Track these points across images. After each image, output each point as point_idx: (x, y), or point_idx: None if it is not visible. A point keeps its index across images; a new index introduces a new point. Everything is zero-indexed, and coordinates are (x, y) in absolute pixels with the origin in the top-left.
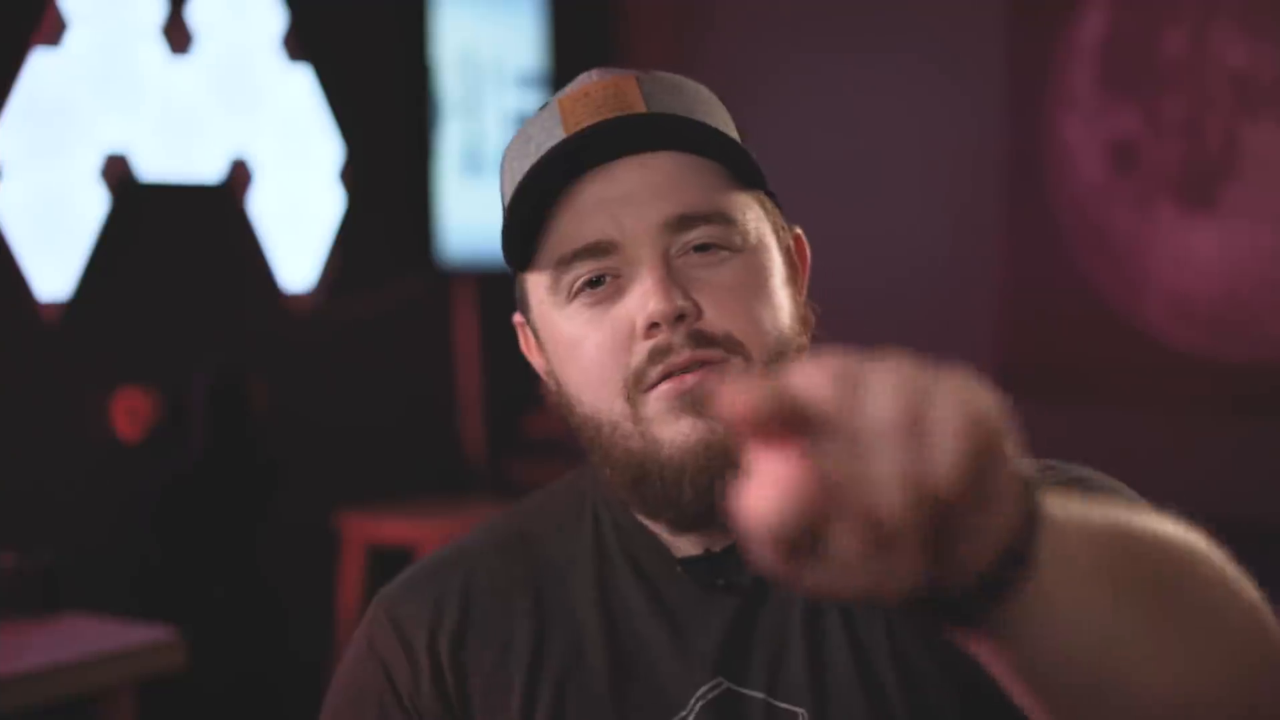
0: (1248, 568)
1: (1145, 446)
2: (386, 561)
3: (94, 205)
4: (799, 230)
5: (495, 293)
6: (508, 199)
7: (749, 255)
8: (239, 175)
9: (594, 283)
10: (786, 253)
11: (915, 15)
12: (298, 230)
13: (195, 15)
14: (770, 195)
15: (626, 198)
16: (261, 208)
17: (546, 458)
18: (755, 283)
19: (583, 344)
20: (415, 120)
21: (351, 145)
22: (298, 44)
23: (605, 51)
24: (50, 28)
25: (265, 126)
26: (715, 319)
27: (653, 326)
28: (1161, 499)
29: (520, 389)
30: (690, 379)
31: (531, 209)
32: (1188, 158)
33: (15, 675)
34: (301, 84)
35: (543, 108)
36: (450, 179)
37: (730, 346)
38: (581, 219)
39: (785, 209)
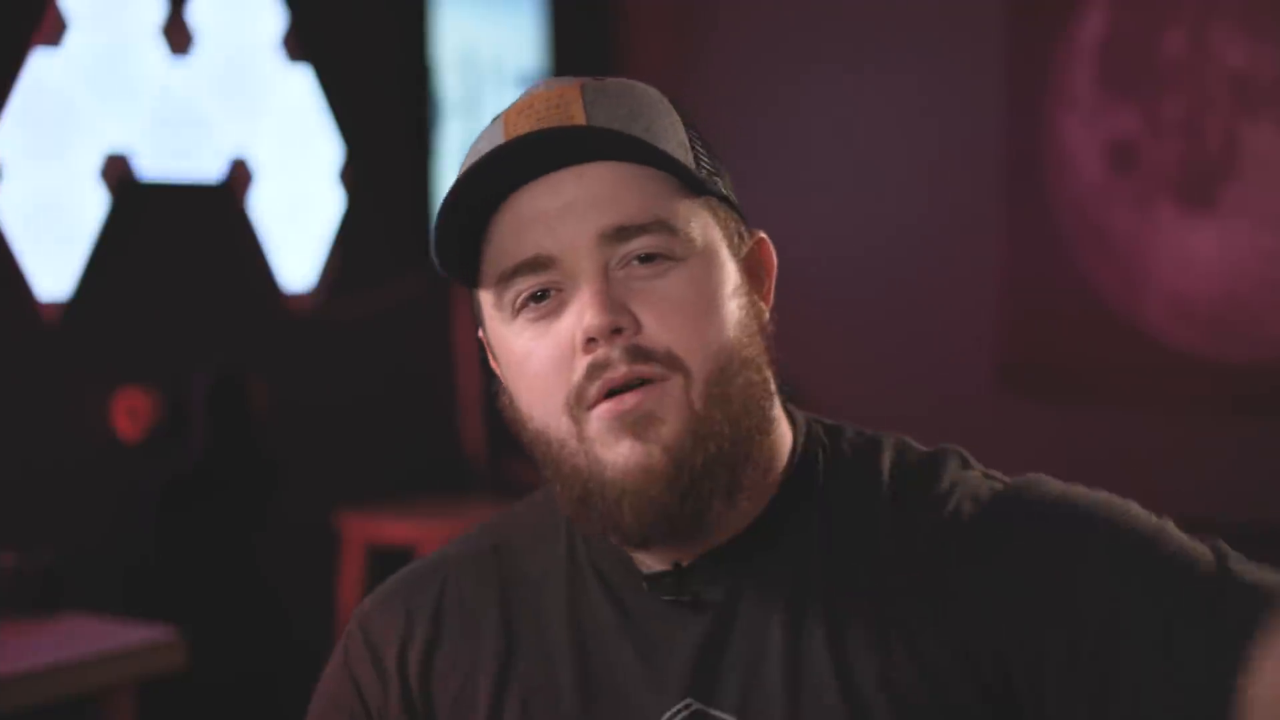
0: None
1: (1145, 446)
2: (386, 561)
3: (94, 205)
4: (762, 234)
5: None
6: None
7: (693, 265)
8: (239, 175)
9: (538, 297)
10: (745, 259)
11: (915, 16)
12: (298, 230)
13: (195, 15)
14: (725, 199)
15: (564, 209)
16: (261, 208)
17: None
18: (699, 294)
19: (528, 361)
20: (415, 120)
21: (351, 145)
22: (298, 44)
23: (605, 51)
24: (50, 28)
25: (265, 126)
26: (655, 333)
27: (590, 341)
28: (1162, 499)
29: None
30: (629, 399)
31: (469, 221)
32: (1187, 158)
33: (15, 675)
34: (301, 84)
35: (493, 121)
36: (450, 179)
37: (670, 363)
38: (519, 232)
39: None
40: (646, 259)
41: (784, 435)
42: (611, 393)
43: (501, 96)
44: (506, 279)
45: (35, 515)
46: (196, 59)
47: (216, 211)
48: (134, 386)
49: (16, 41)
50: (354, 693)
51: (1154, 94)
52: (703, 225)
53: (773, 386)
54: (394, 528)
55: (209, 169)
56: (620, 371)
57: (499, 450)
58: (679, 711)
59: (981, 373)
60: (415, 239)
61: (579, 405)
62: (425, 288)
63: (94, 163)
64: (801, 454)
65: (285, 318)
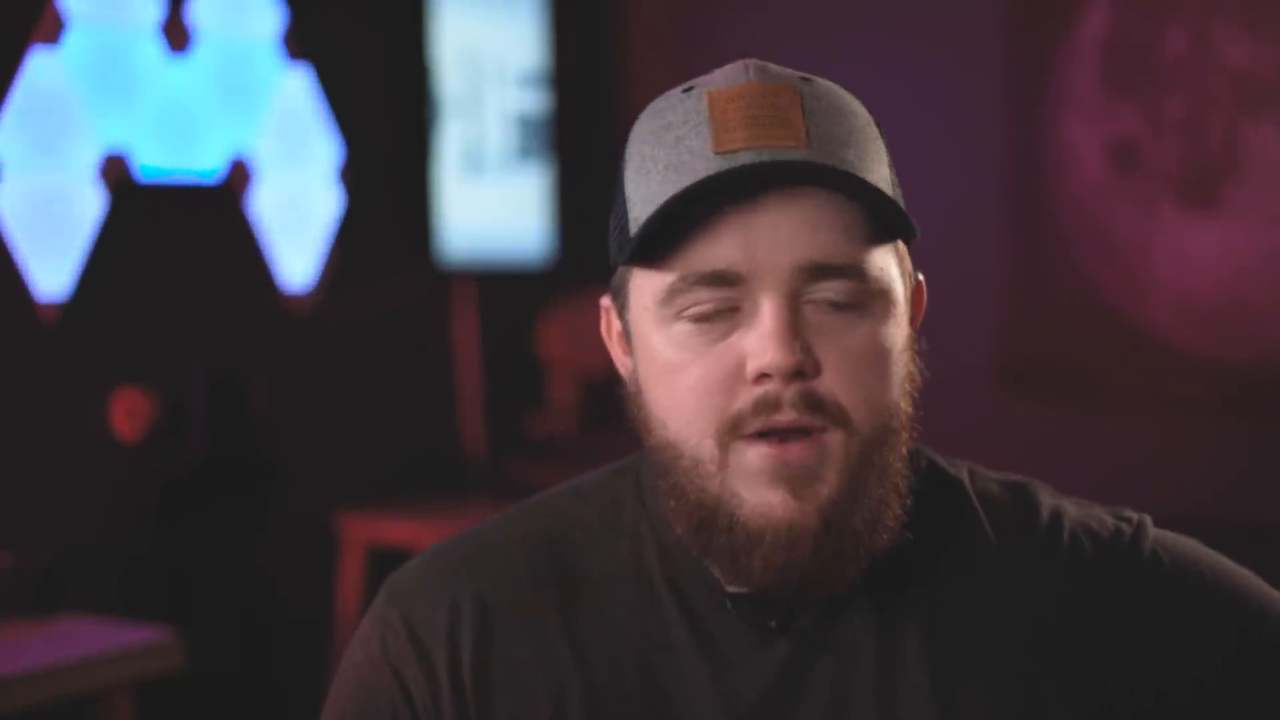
0: (1247, 567)
1: (1145, 446)
2: (386, 562)
3: (93, 205)
4: (921, 277)
5: (495, 293)
6: (636, 201)
7: (878, 318)
8: (239, 175)
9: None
10: (909, 304)
11: (915, 15)
12: (298, 230)
13: (195, 15)
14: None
15: (765, 229)
16: (261, 208)
17: (546, 458)
18: (879, 351)
19: (682, 371)
20: (415, 120)
21: (351, 145)
22: (297, 44)
23: (605, 51)
24: (50, 27)
25: (265, 126)
26: (831, 383)
27: (764, 376)
28: (1161, 499)
29: (520, 389)
30: (795, 451)
31: (662, 216)
32: (1189, 157)
33: (15, 675)
34: (301, 84)
35: (686, 91)
36: (450, 179)
37: (838, 418)
38: (712, 241)
39: None
40: (835, 305)
41: None
42: (767, 433)
43: (502, 96)
44: (687, 283)
45: (34, 515)
46: (196, 58)
47: (216, 211)
48: (133, 386)
49: (15, 41)
50: (399, 690)
51: (1155, 93)
52: (888, 272)
53: (907, 451)
54: (394, 528)
55: (208, 169)
56: (789, 417)
57: (499, 450)
58: None
59: (981, 373)
60: (415, 239)
61: (733, 433)
62: (425, 287)
63: (93, 162)
64: None
65: (285, 318)
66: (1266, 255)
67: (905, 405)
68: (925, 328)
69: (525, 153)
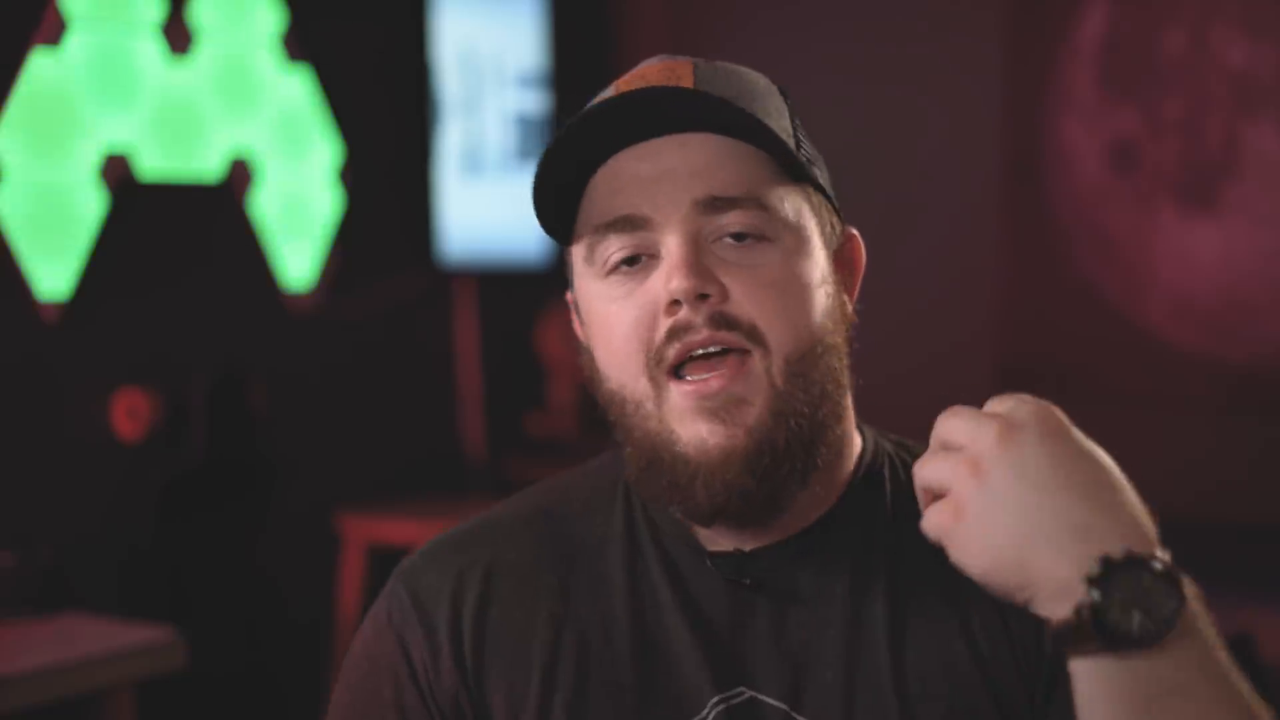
0: (1246, 567)
1: (1144, 446)
2: (386, 561)
3: (94, 205)
4: (854, 230)
5: (495, 293)
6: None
7: (785, 246)
8: (239, 175)
9: (630, 261)
10: (836, 252)
11: (914, 16)
12: (298, 230)
13: (195, 15)
14: (821, 190)
15: (663, 175)
16: (261, 208)
17: (546, 458)
18: (788, 274)
19: (612, 320)
20: (415, 120)
21: (351, 145)
22: (297, 44)
23: (605, 52)
24: (50, 28)
25: (265, 126)
26: (740, 304)
27: (674, 304)
28: (1161, 499)
29: (520, 389)
30: (715, 382)
31: (571, 177)
32: (1187, 158)
33: (15, 675)
34: (301, 84)
35: (605, 90)
36: (450, 179)
37: (752, 335)
38: (617, 192)
39: None
40: (739, 237)
41: (853, 436)
42: (691, 358)
43: (501, 96)
44: (600, 234)
45: (35, 515)
46: (196, 58)
47: (216, 211)
48: (134, 386)
49: (16, 41)
50: (400, 654)
51: (1154, 94)
52: (797, 209)
53: (847, 380)
54: (394, 528)
55: (209, 169)
56: (701, 335)
57: (499, 450)
58: (732, 695)
59: (981, 373)
60: (415, 239)
61: (658, 368)
62: (425, 287)
63: (93, 162)
64: (870, 459)
65: (285, 318)
66: (1265, 255)
67: (833, 334)
68: (925, 328)
69: (525, 153)
